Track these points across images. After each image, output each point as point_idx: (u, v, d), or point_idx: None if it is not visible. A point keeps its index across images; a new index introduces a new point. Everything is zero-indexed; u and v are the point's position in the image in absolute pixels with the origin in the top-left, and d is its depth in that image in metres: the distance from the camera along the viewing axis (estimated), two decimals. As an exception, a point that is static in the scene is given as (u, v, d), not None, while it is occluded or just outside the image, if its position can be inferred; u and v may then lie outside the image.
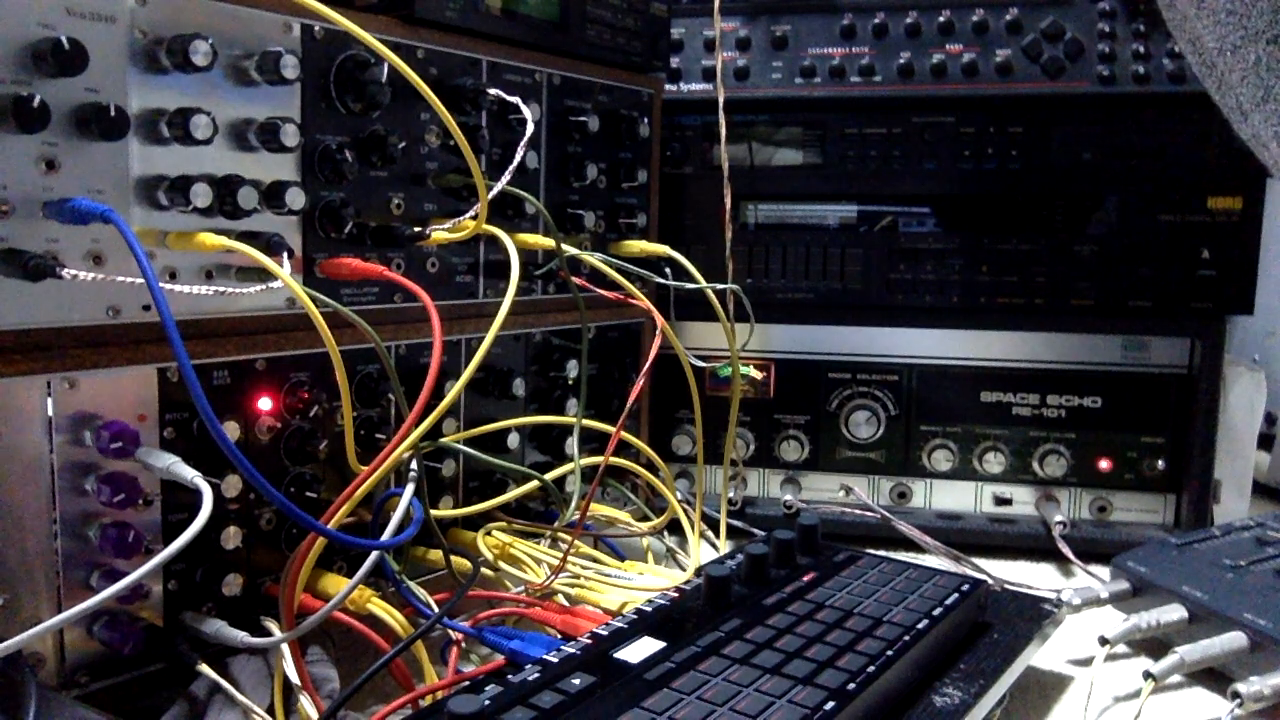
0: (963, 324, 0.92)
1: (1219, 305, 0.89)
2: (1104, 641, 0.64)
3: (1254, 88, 0.29)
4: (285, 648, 0.53)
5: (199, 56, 0.50)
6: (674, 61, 0.93)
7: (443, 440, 0.67)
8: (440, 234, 0.64)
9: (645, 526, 0.77)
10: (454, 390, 0.60)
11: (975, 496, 0.94)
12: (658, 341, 0.74)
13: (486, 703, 0.45)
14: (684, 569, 0.80)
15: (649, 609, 0.57)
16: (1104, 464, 0.92)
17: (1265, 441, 1.10)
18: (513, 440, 0.74)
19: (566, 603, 0.66)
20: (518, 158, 0.66)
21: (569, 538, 0.66)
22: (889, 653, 0.53)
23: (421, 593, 0.60)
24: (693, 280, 0.76)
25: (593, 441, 0.82)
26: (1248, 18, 0.28)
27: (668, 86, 0.92)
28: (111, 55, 0.49)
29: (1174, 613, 0.67)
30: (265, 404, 0.58)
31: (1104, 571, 0.78)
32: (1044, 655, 0.66)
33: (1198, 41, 0.32)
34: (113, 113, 0.48)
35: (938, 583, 0.64)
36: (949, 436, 0.93)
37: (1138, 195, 0.88)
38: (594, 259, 0.72)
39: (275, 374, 0.59)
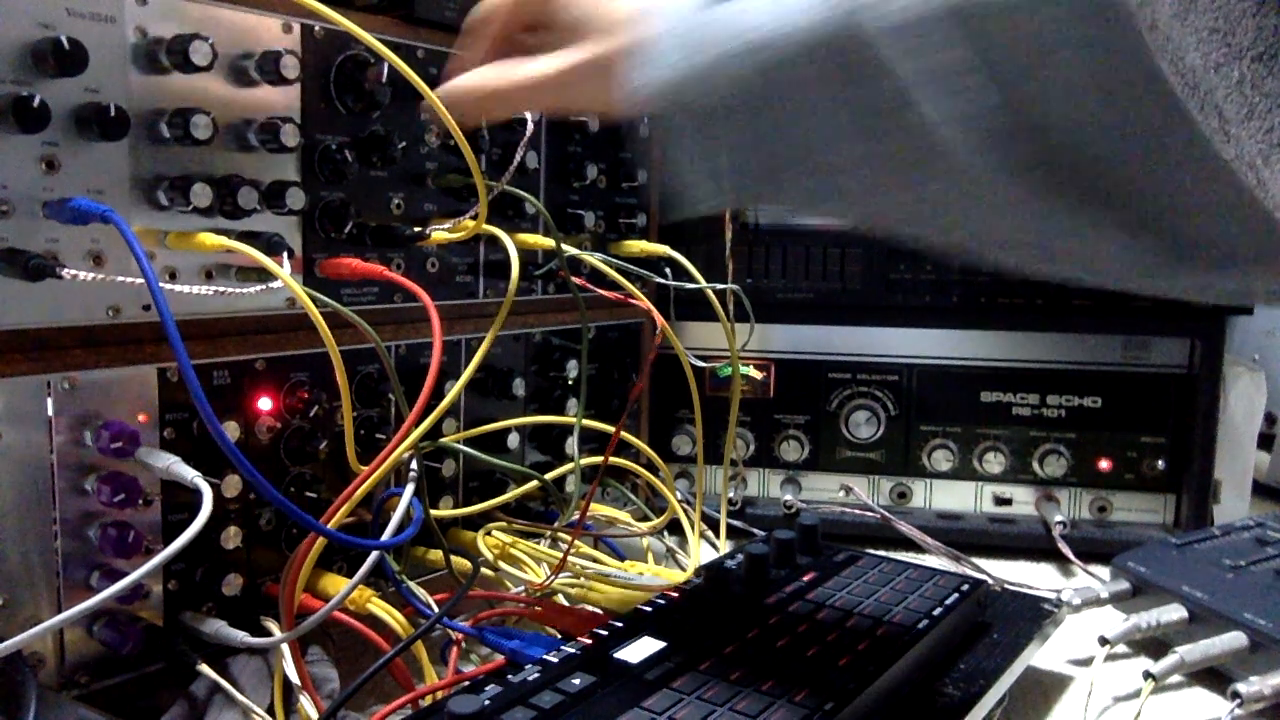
0: (963, 324, 0.92)
1: (1219, 305, 0.88)
2: (1104, 641, 0.64)
3: (1238, 105, 0.29)
4: (285, 648, 0.53)
5: (199, 56, 0.50)
6: (674, 61, 0.92)
7: (443, 440, 0.67)
8: (440, 234, 0.64)
9: (645, 526, 0.77)
10: (454, 390, 0.60)
11: (975, 496, 0.94)
12: (658, 341, 0.74)
13: (486, 703, 0.45)
14: (684, 569, 0.80)
15: (649, 609, 0.57)
16: (1104, 464, 0.92)
17: (1265, 441, 1.10)
18: (513, 440, 0.75)
19: (566, 603, 0.66)
20: (518, 158, 0.66)
21: (569, 538, 0.66)
22: (889, 653, 0.53)
23: (421, 593, 0.60)
24: (693, 280, 0.77)
25: (593, 441, 0.82)
26: (1231, 35, 0.28)
27: (668, 86, 0.92)
28: (111, 55, 0.49)
29: (1174, 613, 0.67)
30: (265, 404, 0.58)
31: (1104, 571, 0.78)
32: (1044, 655, 0.66)
33: (1181, 61, 0.32)
34: (113, 113, 0.48)
35: (938, 583, 0.64)
36: (949, 436, 0.93)
37: (1138, 195, 0.88)
38: (594, 259, 0.72)
39: (275, 374, 0.59)
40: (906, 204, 0.46)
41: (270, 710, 0.52)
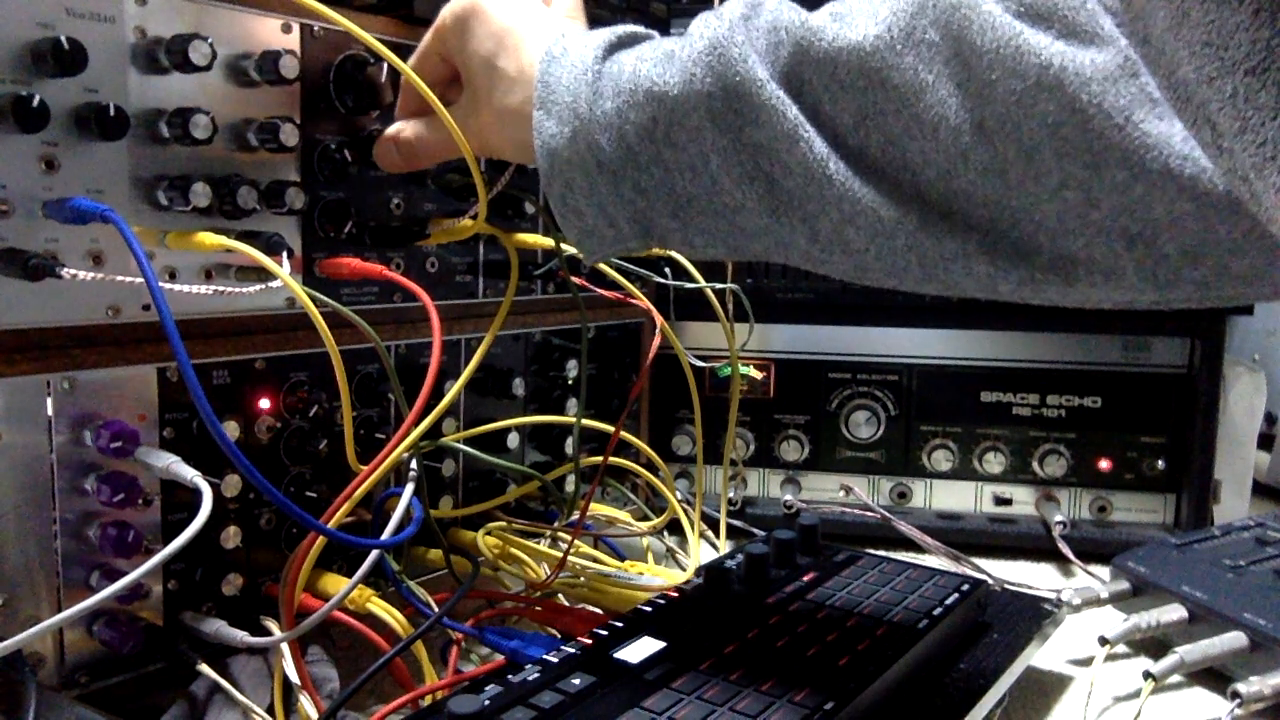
0: (963, 324, 0.92)
1: (1218, 307, 0.88)
2: (1104, 641, 0.64)
3: (1231, 118, 0.29)
4: (285, 647, 0.53)
5: (198, 56, 0.50)
6: (674, 61, 0.92)
7: (443, 440, 0.67)
8: (440, 234, 0.64)
9: (645, 526, 0.77)
10: (454, 390, 0.60)
11: (975, 496, 0.94)
12: (657, 341, 0.74)
13: (486, 703, 0.45)
14: (684, 569, 0.80)
15: (649, 609, 0.57)
16: (1104, 464, 0.92)
17: (1265, 441, 1.10)
18: (513, 440, 0.75)
19: (566, 603, 0.66)
20: (518, 158, 0.66)
21: (569, 537, 0.66)
22: (889, 653, 0.53)
23: (421, 593, 0.60)
24: (692, 280, 0.77)
25: (592, 441, 0.82)
26: (1225, 48, 0.28)
27: (668, 86, 0.92)
28: (111, 55, 0.49)
29: (1174, 613, 0.67)
30: (265, 404, 0.58)
31: (1104, 571, 0.78)
32: (1044, 655, 0.66)
33: (1174, 75, 0.32)
34: (112, 112, 0.48)
35: (938, 583, 0.64)
36: (949, 436, 0.93)
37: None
38: (594, 259, 0.72)
39: (275, 374, 0.59)
40: (803, 237, 0.48)
41: (270, 710, 0.52)
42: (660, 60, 0.48)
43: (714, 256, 0.53)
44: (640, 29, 0.53)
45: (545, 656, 0.51)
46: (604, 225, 0.51)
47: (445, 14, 0.56)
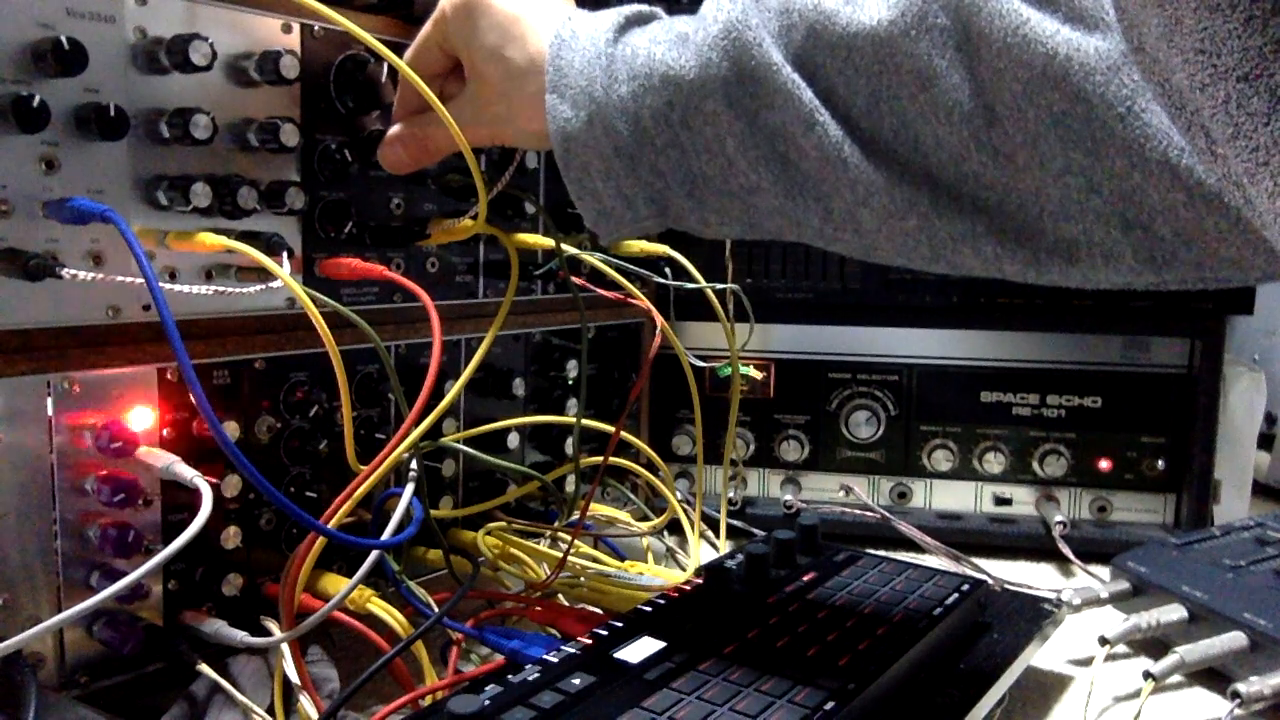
0: (963, 324, 0.92)
1: (1219, 305, 0.88)
2: (1104, 641, 0.64)
3: (1224, 125, 0.30)
4: (285, 647, 0.53)
5: (199, 56, 0.50)
6: (674, 61, 0.92)
7: (443, 440, 0.67)
8: (440, 234, 0.64)
9: (645, 526, 0.77)
10: (454, 390, 0.60)
11: (975, 496, 0.94)
12: (657, 341, 0.74)
13: (486, 703, 0.45)
14: (684, 569, 0.80)
15: (649, 609, 0.57)
16: (1104, 464, 0.92)
17: (1265, 441, 1.10)
18: (513, 440, 0.75)
19: (566, 603, 0.66)
20: (518, 157, 0.66)
21: (569, 538, 0.66)
22: (889, 653, 0.53)
23: (421, 593, 0.60)
24: (693, 280, 0.77)
25: (593, 441, 0.82)
26: (1218, 55, 0.29)
27: (668, 86, 0.92)
28: (111, 55, 0.49)
29: (1174, 613, 0.67)
30: (265, 404, 0.58)
31: (1104, 571, 0.78)
32: (1044, 655, 0.66)
33: (1168, 82, 0.33)
34: (112, 113, 0.48)
35: (938, 583, 0.64)
36: (949, 436, 0.93)
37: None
38: (594, 259, 0.72)
39: (275, 374, 0.59)
40: (816, 217, 0.49)
41: (270, 710, 0.52)
42: (674, 43, 0.48)
43: (729, 235, 0.53)
44: (646, 8, 0.53)
45: (545, 656, 0.51)
46: (621, 206, 0.51)
47: (445, 5, 0.56)
